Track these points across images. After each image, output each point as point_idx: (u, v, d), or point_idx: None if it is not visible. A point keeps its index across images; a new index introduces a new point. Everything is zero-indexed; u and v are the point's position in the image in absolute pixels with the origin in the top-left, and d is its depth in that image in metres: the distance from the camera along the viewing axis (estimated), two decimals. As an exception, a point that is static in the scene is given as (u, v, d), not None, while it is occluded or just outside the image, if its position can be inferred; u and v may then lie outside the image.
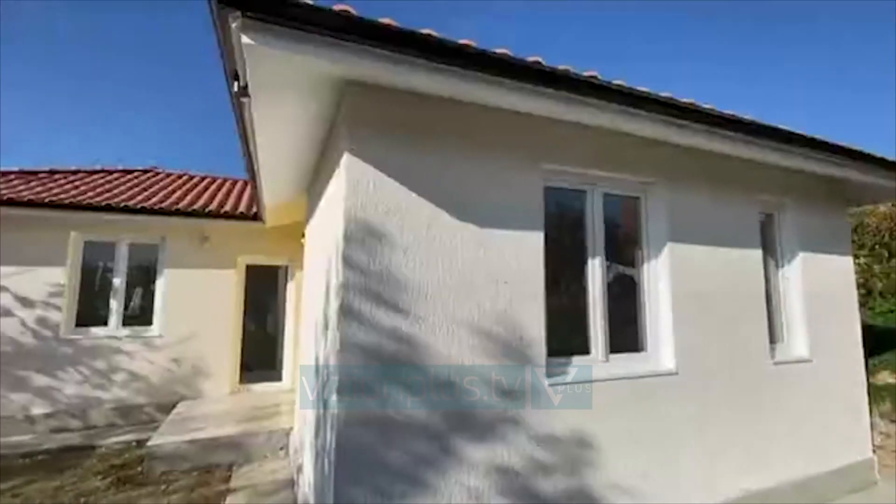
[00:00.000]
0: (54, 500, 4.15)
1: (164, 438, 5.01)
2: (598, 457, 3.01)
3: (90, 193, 6.83)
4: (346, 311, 2.46)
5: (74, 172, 7.92)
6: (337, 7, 2.00)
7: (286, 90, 2.55)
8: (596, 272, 3.35)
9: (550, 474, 2.84)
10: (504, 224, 2.92)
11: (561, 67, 2.58)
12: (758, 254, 3.98)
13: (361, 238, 2.54)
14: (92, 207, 6.25)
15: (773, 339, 4.07)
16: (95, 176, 8.03)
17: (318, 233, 3.91)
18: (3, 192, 6.11)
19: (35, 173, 7.35)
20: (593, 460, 3.00)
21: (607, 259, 3.44)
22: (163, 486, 4.44)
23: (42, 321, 6.29)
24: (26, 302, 6.22)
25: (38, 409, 6.15)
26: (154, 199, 7.06)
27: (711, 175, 3.80)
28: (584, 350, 3.29)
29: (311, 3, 1.91)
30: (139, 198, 7.03)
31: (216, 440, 5.09)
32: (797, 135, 3.57)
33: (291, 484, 4.38)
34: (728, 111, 3.24)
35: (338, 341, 2.44)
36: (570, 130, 3.18)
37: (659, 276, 3.54)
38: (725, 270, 3.75)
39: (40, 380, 6.19)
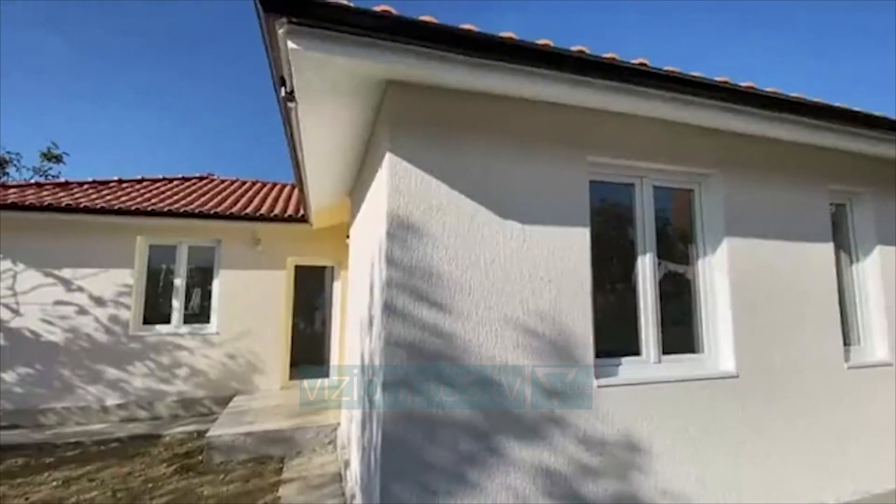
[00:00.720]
0: (125, 485, 4.49)
1: (221, 430, 5.29)
2: (649, 461, 2.87)
3: (154, 200, 7.34)
4: (389, 309, 2.48)
5: (140, 181, 8.55)
6: (378, 8, 2.03)
7: (330, 93, 2.61)
8: (646, 269, 3.20)
9: (598, 478, 2.74)
10: (548, 220, 2.85)
11: (606, 55, 2.48)
12: (828, 247, 3.65)
13: (404, 236, 2.56)
14: (155, 213, 6.71)
15: (847, 342, 3.73)
16: (158, 183, 8.63)
17: (363, 233, 3.99)
18: (81, 200, 6.68)
19: (106, 182, 7.99)
20: (644, 465, 2.86)
21: (658, 256, 3.28)
22: (221, 476, 4.70)
23: (113, 319, 6.83)
24: (100, 301, 6.78)
25: (111, 401, 6.69)
26: (210, 204, 7.48)
27: (775, 163, 3.53)
28: (635, 351, 3.15)
29: (350, 5, 1.94)
30: (196, 203, 7.48)
31: (269, 433, 5.32)
32: (874, 117, 3.25)
33: (339, 478, 4.50)
34: (794, 94, 3.00)
35: (382, 339, 2.47)
36: (618, 122, 3.06)
37: (715, 272, 3.33)
38: (791, 266, 3.47)
39: (112, 373, 6.72)
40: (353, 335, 4.17)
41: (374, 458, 2.51)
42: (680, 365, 3.17)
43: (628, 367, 3.05)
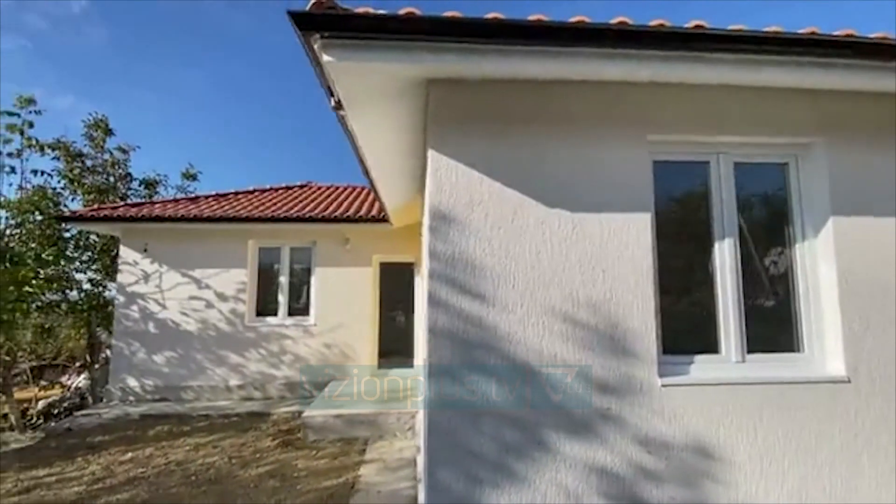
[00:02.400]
0: (239, 454, 5.23)
1: (316, 412, 5.89)
2: (728, 472, 2.56)
3: (261, 208, 8.38)
4: (433, 301, 2.56)
5: (251, 191, 9.81)
6: (403, 11, 2.11)
7: (376, 99, 2.77)
8: (726, 256, 2.84)
9: (663, 483, 2.52)
10: (603, 206, 2.68)
11: (653, 23, 2.27)
12: None
13: (446, 230, 2.62)
14: (261, 219, 7.67)
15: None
16: (266, 193, 9.82)
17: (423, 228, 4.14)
18: (205, 211, 7.90)
19: (225, 195, 9.32)
20: (722, 475, 2.56)
21: (744, 241, 2.89)
22: (313, 452, 5.24)
23: (233, 311, 7.95)
24: (222, 297, 7.95)
25: (233, 381, 7.81)
26: (306, 210, 8.31)
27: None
28: (714, 349, 2.82)
29: (376, 12, 2.05)
30: (296, 209, 8.36)
31: (356, 416, 5.78)
32: None
33: (414, 463, 4.73)
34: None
35: (427, 329, 2.56)
36: (683, 94, 2.76)
37: (819, 258, 2.83)
38: None
39: (234, 358, 7.84)
40: (418, 327, 4.35)
41: (424, 444, 2.62)
42: (771, 365, 2.77)
43: (703, 366, 2.75)
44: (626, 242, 2.67)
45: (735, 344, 2.78)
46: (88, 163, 10.89)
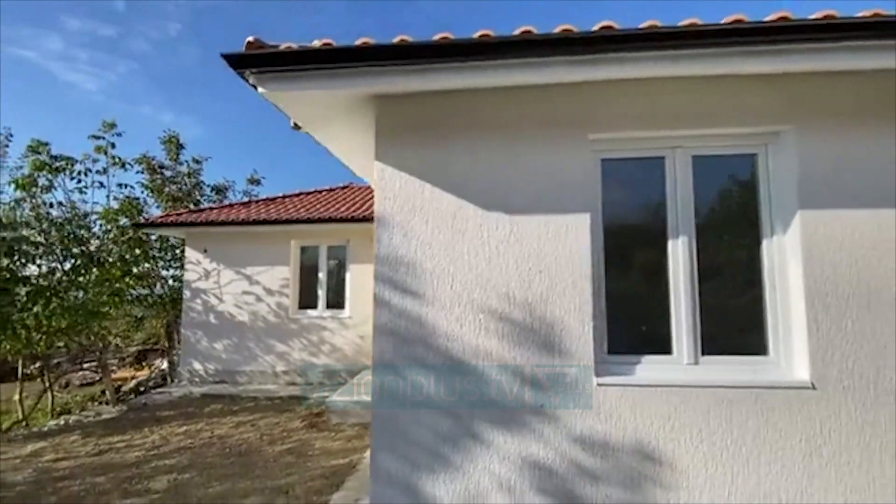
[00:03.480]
0: (271, 432, 5.88)
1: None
2: (670, 475, 2.52)
3: (302, 210, 9.09)
4: (378, 302, 2.80)
5: (297, 195, 10.63)
6: (319, 43, 2.34)
7: (327, 116, 3.04)
8: (679, 254, 2.75)
9: (599, 482, 2.55)
10: (540, 209, 2.73)
11: (559, 29, 2.29)
12: None
13: (390, 235, 2.83)
14: (300, 221, 8.35)
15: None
16: (310, 195, 10.58)
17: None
18: (252, 215, 8.76)
19: (273, 199, 10.21)
20: (665, 479, 2.53)
21: (707, 237, 2.77)
22: (333, 433, 5.73)
23: (279, 305, 8.77)
24: (270, 291, 8.79)
25: (279, 367, 8.64)
26: (341, 210, 8.88)
27: (888, 106, 2.57)
28: (667, 349, 2.76)
29: (296, 47, 2.31)
30: (332, 210, 8.97)
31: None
32: None
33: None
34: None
35: (373, 327, 2.80)
36: (628, 89, 2.70)
37: (787, 256, 2.64)
38: None
39: (279, 347, 8.66)
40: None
41: (371, 431, 2.87)
42: (728, 368, 2.65)
43: (651, 367, 2.70)
44: (565, 243, 2.70)
45: (687, 345, 2.70)
46: (168, 174, 12.43)
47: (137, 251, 10.09)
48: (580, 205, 2.71)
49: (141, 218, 9.48)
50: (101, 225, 9.21)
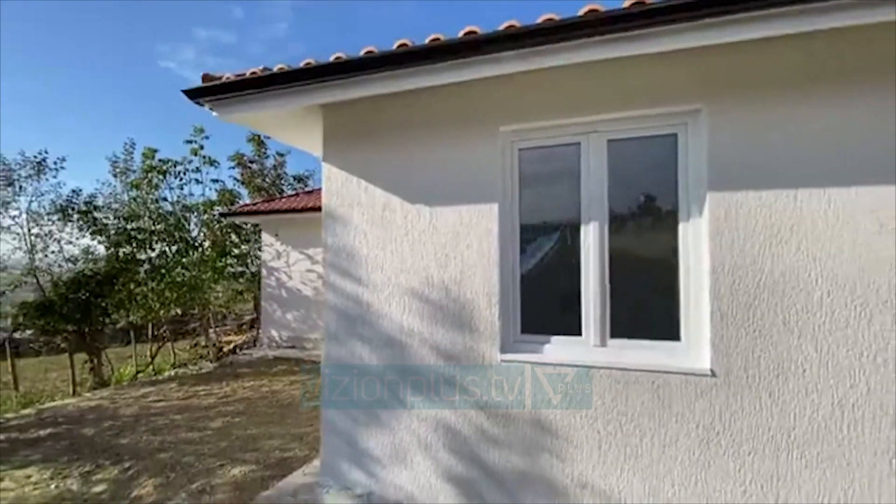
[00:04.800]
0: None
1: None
2: (567, 449, 2.70)
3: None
4: (326, 283, 3.31)
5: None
6: (249, 72, 2.84)
7: (284, 126, 3.58)
8: (590, 240, 2.81)
9: (501, 448, 2.82)
10: (456, 199, 2.98)
11: (463, 32, 2.48)
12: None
13: (334, 227, 3.30)
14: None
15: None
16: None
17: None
18: (310, 203, 9.86)
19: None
20: (561, 451, 2.71)
21: (624, 221, 2.79)
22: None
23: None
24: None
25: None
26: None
27: (810, 75, 2.32)
28: (577, 331, 2.86)
29: (230, 78, 2.83)
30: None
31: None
32: None
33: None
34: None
35: (324, 304, 3.33)
36: (544, 79, 2.74)
37: (701, 241, 2.56)
38: (823, 226, 2.27)
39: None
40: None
41: (322, 390, 3.42)
42: (634, 352, 2.69)
43: (559, 346, 2.85)
44: (476, 232, 2.92)
45: (595, 327, 2.78)
46: (255, 167, 14.29)
47: (234, 236, 11.96)
48: (490, 195, 2.90)
49: (227, 208, 11.19)
50: (198, 215, 11.07)
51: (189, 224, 10.21)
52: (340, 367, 3.24)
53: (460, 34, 2.46)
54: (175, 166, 10.06)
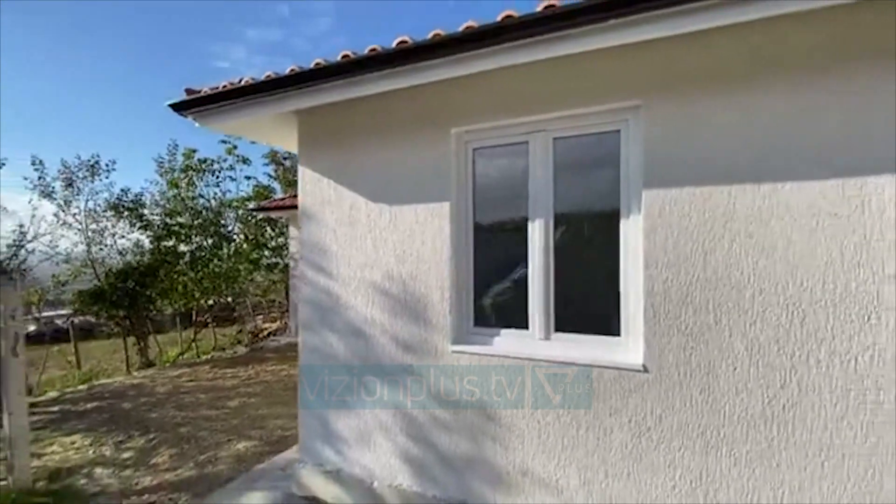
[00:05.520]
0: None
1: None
2: (508, 437, 2.82)
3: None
4: (300, 277, 3.58)
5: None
6: (222, 85, 3.11)
7: (264, 132, 3.85)
8: (536, 236, 2.87)
9: (451, 433, 2.98)
10: (413, 198, 3.13)
11: (397, 41, 2.62)
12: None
13: (308, 225, 3.55)
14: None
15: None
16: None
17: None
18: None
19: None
20: (504, 439, 2.83)
21: (573, 220, 2.84)
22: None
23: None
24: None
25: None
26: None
27: (743, 68, 2.25)
28: (525, 324, 2.95)
29: (208, 91, 3.12)
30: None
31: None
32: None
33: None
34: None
35: (299, 297, 3.61)
36: (493, 80, 2.78)
37: (637, 238, 2.57)
38: (766, 225, 2.21)
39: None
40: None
41: (299, 375, 3.70)
42: (576, 346, 2.75)
43: (507, 339, 2.95)
44: (430, 229, 3.07)
45: (539, 322, 2.86)
46: (289, 164, 15.01)
47: (269, 229, 12.71)
48: (443, 194, 3.02)
49: (258, 204, 11.88)
50: (234, 210, 11.84)
51: (225, 219, 10.97)
52: (314, 354, 3.51)
53: (394, 44, 2.59)
54: (211, 165, 10.82)
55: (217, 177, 10.84)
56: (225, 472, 4.09)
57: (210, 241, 10.19)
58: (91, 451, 4.77)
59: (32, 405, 6.44)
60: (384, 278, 3.22)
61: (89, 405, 6.30)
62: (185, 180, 10.43)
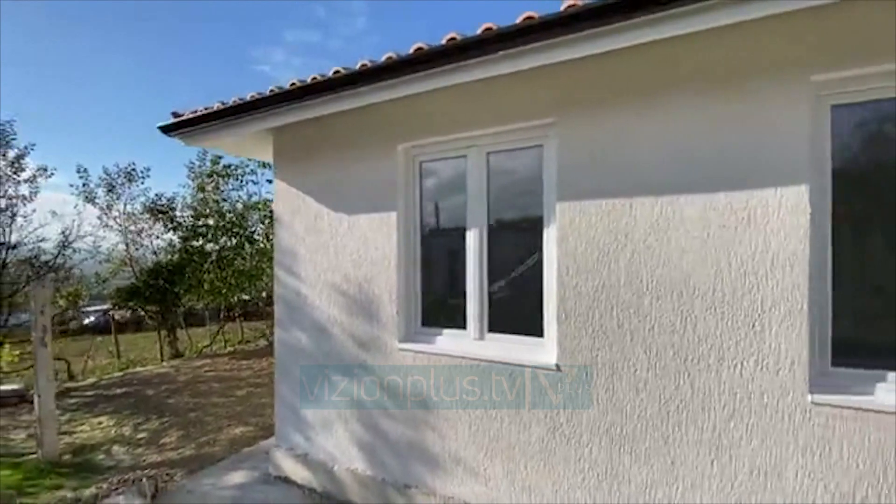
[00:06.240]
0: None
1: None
2: (445, 428, 3.06)
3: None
4: (276, 279, 3.96)
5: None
6: (200, 109, 3.51)
7: (245, 147, 4.23)
8: (472, 244, 3.09)
9: (397, 423, 3.26)
10: (367, 208, 3.42)
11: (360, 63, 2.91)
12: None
13: (282, 232, 3.92)
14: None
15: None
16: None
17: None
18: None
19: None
20: (441, 429, 3.08)
21: (502, 228, 3.04)
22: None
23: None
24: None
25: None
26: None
27: (643, 86, 2.38)
28: (464, 325, 3.18)
29: (190, 114, 3.53)
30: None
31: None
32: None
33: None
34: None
35: (276, 296, 3.99)
36: (437, 99, 2.95)
37: (553, 246, 2.74)
38: (663, 235, 2.33)
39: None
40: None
41: (275, 368, 4.07)
42: (504, 346, 2.95)
43: (447, 338, 3.19)
44: (379, 236, 3.34)
45: (474, 323, 3.08)
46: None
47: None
48: (391, 204, 3.30)
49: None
50: (257, 212, 12.55)
51: (249, 221, 11.69)
52: (286, 349, 3.88)
53: (330, 72, 2.87)
54: (236, 170, 11.54)
55: (240, 181, 11.56)
56: (219, 452, 4.56)
57: (234, 241, 10.91)
58: (113, 431, 5.40)
59: (73, 389, 7.27)
60: (343, 281, 3.53)
61: (119, 391, 7.03)
62: (212, 184, 11.20)
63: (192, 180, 11.95)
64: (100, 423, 5.70)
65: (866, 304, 2.15)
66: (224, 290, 11.04)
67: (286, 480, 3.80)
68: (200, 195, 10.79)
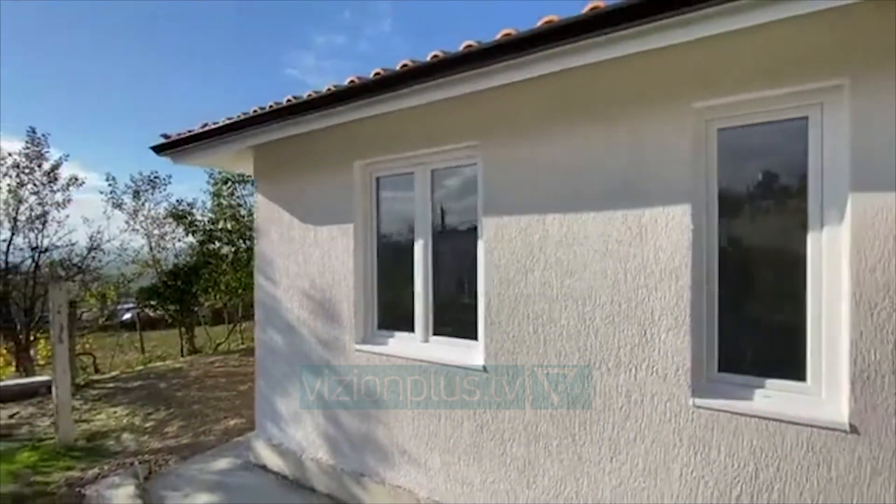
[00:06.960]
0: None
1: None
2: (394, 422, 3.34)
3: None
4: (256, 283, 4.33)
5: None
6: (186, 131, 3.91)
7: (231, 162, 4.62)
8: (419, 255, 3.36)
9: (353, 415, 3.56)
10: (330, 220, 3.74)
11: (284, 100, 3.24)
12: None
13: (261, 240, 4.29)
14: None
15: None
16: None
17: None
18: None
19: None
20: (389, 423, 3.36)
21: (449, 239, 3.30)
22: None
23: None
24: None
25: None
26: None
27: (551, 111, 2.59)
28: (412, 329, 3.45)
29: (176, 136, 3.94)
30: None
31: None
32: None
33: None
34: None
35: (256, 299, 4.36)
36: (393, 119, 3.22)
37: (482, 258, 2.98)
38: (570, 249, 2.54)
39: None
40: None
41: (256, 365, 4.44)
42: (446, 349, 3.21)
43: (398, 341, 3.47)
44: (339, 246, 3.66)
45: (421, 327, 3.35)
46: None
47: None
48: (349, 217, 3.60)
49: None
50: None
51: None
52: (264, 348, 4.25)
53: (305, 95, 3.18)
54: (250, 177, 12.15)
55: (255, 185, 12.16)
56: (211, 441, 4.99)
57: (247, 244, 11.52)
58: (125, 420, 5.93)
59: (96, 382, 7.93)
60: (311, 287, 3.87)
61: (136, 384, 7.64)
62: (228, 190, 11.85)
63: (212, 186, 12.66)
64: (115, 412, 6.26)
65: (750, 316, 2.30)
66: (239, 291, 11.67)
67: (263, 468, 4.17)
68: (217, 200, 11.43)
